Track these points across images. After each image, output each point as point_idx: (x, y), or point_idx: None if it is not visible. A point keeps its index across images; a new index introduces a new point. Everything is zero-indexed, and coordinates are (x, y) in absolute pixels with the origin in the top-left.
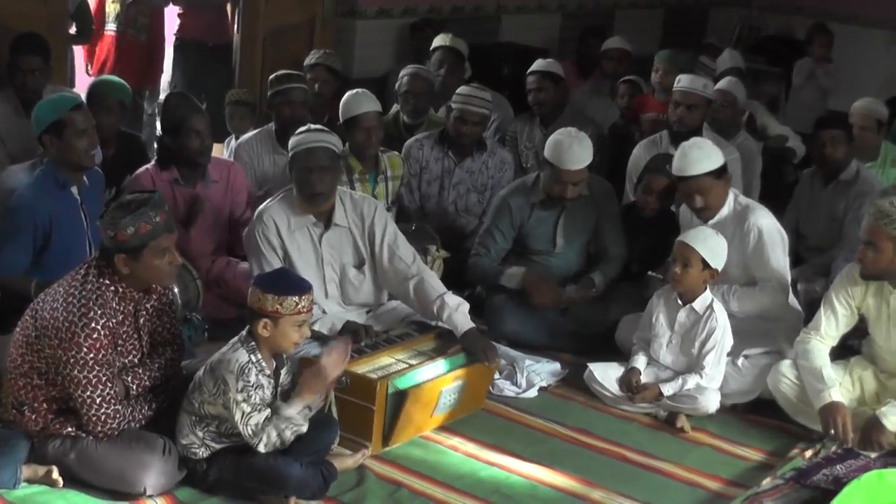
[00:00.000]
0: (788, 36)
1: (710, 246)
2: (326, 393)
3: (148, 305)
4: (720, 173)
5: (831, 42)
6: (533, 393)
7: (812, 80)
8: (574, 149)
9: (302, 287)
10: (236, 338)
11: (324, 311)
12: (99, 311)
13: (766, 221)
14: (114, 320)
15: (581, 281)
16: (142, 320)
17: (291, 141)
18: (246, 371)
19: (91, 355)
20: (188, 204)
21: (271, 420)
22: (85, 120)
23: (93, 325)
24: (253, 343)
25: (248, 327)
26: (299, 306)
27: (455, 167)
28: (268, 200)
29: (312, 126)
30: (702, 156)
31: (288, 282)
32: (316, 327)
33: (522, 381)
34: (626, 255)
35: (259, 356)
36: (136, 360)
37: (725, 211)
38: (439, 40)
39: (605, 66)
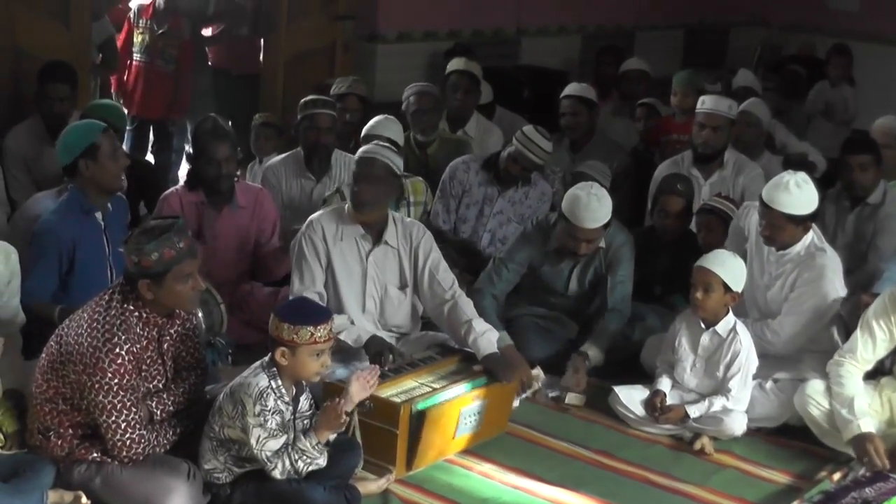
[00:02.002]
0: (810, 56)
1: (730, 269)
2: (350, 418)
3: (172, 331)
4: (800, 220)
5: (850, 62)
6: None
7: (828, 103)
8: (592, 206)
9: (318, 317)
10: (259, 362)
11: (352, 322)
12: (123, 337)
13: (830, 273)
14: (138, 346)
15: (572, 359)
16: (165, 345)
17: (360, 150)
18: (264, 395)
19: (115, 380)
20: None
21: (287, 448)
22: (114, 143)
23: (117, 350)
24: (274, 369)
25: (270, 353)
26: (315, 336)
27: (498, 196)
28: (318, 211)
29: (382, 143)
30: (797, 196)
31: (305, 311)
32: (342, 337)
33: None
34: (628, 311)
35: (279, 382)
36: (160, 386)
37: (798, 248)
38: (454, 64)
39: (624, 88)
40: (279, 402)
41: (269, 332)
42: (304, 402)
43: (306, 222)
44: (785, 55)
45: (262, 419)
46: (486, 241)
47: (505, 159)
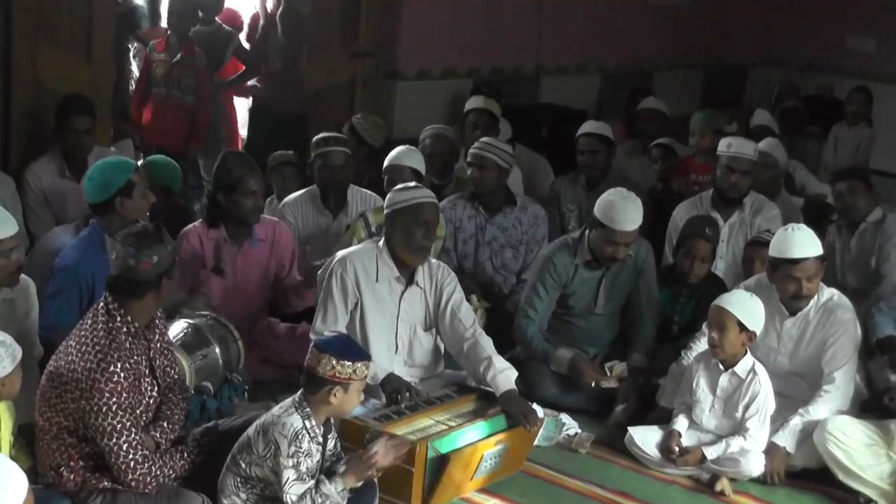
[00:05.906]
0: (828, 96)
1: (746, 308)
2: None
3: (154, 339)
4: (823, 259)
5: (867, 101)
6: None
7: (842, 142)
8: (629, 209)
9: (366, 354)
10: (289, 400)
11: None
12: (115, 355)
13: (852, 316)
14: (131, 360)
15: (628, 380)
16: (152, 353)
17: (395, 196)
18: (299, 437)
19: (113, 400)
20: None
21: (311, 492)
22: (145, 181)
23: (112, 368)
24: (308, 409)
25: (301, 391)
26: (367, 372)
27: (486, 223)
28: (350, 248)
29: (411, 184)
30: (809, 239)
31: (356, 349)
32: None
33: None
34: (660, 317)
35: (313, 422)
36: (154, 394)
37: (813, 301)
38: (472, 102)
39: (639, 127)
40: (312, 443)
41: (318, 373)
42: (331, 442)
43: (338, 258)
44: (803, 95)
45: (296, 460)
46: (490, 270)
47: (469, 172)
